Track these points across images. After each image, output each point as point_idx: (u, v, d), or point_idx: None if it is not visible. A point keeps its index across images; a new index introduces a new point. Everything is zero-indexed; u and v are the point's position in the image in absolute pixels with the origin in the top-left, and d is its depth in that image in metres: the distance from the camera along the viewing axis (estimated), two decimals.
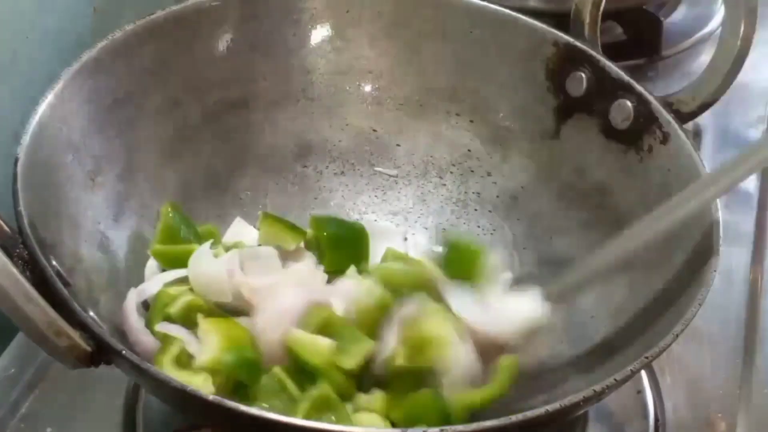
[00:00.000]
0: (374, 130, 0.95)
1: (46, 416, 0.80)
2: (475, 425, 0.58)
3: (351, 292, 0.77)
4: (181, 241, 0.80)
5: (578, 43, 0.87)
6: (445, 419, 0.68)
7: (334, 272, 0.82)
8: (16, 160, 0.68)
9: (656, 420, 0.81)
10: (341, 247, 0.84)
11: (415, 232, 0.94)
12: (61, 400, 0.81)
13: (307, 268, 0.81)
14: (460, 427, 0.57)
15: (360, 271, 0.82)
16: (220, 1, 0.88)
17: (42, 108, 0.73)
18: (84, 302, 0.65)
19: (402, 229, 0.94)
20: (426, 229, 0.94)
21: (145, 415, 0.81)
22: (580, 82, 0.87)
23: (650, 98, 0.82)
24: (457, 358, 0.71)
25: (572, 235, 0.86)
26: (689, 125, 0.82)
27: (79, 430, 0.80)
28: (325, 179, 0.95)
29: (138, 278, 0.78)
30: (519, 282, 0.80)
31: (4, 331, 0.84)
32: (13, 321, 0.57)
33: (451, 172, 0.95)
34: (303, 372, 0.71)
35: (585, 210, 0.86)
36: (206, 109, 0.89)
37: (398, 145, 0.96)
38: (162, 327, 0.72)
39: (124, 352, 0.59)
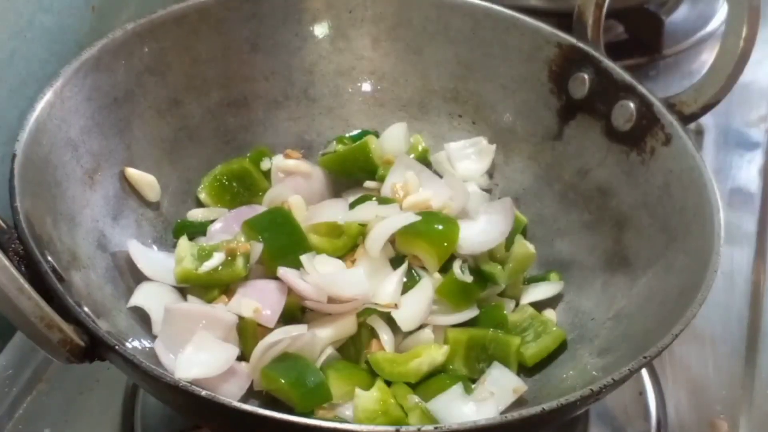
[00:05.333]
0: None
1: (43, 418, 0.80)
2: (471, 424, 0.57)
3: None
4: None
5: (581, 45, 0.87)
6: None
7: None
8: (14, 157, 0.68)
9: (658, 422, 0.80)
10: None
11: None
12: (58, 402, 0.81)
13: None
14: (455, 425, 0.57)
15: None
16: (221, 0, 0.88)
17: (41, 105, 0.73)
18: (80, 298, 0.65)
19: None
20: None
21: (143, 417, 0.80)
22: (582, 83, 0.87)
23: (653, 99, 0.82)
24: None
25: (574, 237, 0.85)
26: (691, 125, 0.82)
27: (77, 431, 0.79)
28: None
29: (137, 276, 0.77)
30: None
31: (2, 333, 0.84)
32: (5, 314, 0.57)
33: None
34: None
35: (587, 211, 0.85)
36: (207, 109, 0.89)
37: None
38: None
39: (117, 347, 0.58)
